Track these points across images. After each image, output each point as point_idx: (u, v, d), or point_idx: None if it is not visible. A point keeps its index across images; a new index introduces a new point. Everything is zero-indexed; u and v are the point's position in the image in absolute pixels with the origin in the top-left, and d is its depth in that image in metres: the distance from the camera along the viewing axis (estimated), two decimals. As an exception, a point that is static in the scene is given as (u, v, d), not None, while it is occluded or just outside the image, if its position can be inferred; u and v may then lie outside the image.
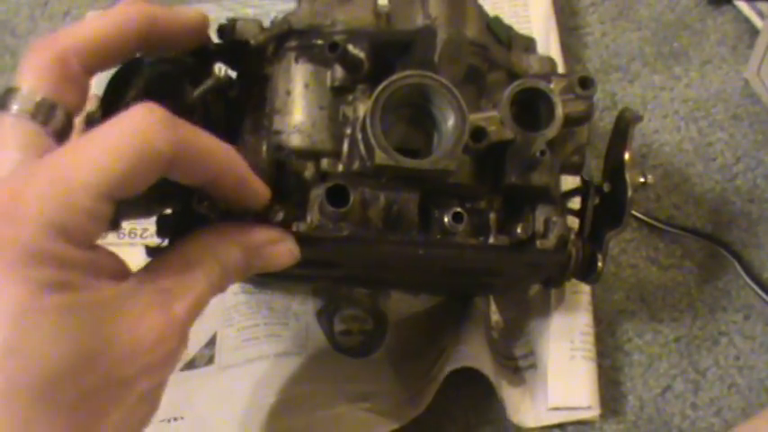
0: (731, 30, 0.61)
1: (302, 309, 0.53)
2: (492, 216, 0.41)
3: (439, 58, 0.38)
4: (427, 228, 0.40)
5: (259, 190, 0.36)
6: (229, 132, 0.40)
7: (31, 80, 0.34)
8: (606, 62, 0.61)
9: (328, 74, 0.39)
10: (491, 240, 0.40)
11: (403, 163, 0.36)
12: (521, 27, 0.60)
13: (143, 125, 0.31)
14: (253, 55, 0.40)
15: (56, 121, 0.34)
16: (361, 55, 0.38)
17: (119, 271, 0.32)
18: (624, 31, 0.62)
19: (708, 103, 0.60)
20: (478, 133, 0.39)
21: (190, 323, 0.33)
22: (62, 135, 0.34)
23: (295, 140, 0.38)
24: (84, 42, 0.35)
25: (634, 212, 0.57)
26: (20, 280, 0.28)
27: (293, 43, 0.39)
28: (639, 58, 0.61)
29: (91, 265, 0.30)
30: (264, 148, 0.39)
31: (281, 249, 0.37)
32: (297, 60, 0.39)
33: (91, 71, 0.35)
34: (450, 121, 0.37)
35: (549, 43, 0.59)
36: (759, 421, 0.44)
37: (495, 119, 0.39)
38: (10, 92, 0.34)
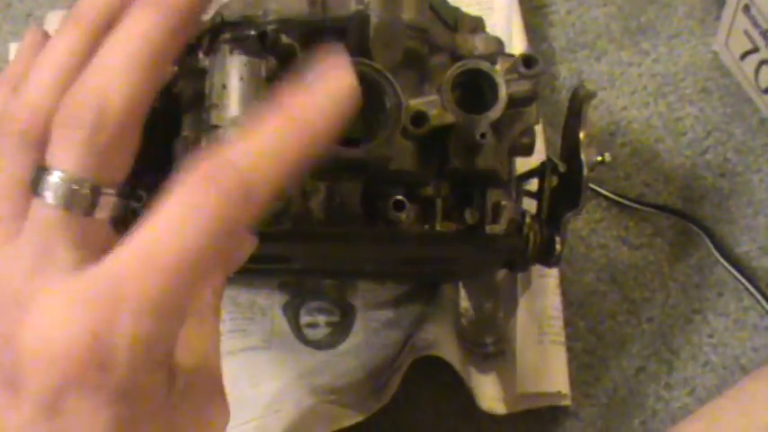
0: (699, 1, 0.60)
1: (268, 303, 0.52)
2: (439, 202, 0.40)
3: (373, 43, 0.37)
4: (372, 218, 0.39)
5: None
6: (172, 128, 0.39)
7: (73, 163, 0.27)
8: (572, 40, 0.60)
9: (263, 65, 0.38)
10: (437, 227, 0.40)
11: (337, 152, 0.35)
12: (483, 9, 0.59)
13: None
14: (190, 49, 0.39)
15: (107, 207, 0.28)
16: (295, 44, 0.38)
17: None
18: (590, 7, 0.61)
19: (676, 77, 0.59)
20: (419, 118, 0.38)
21: None
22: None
23: (233, 135, 0.37)
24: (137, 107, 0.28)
25: (603, 191, 0.56)
26: (110, 419, 0.27)
27: (227, 35, 0.38)
28: (606, 35, 0.60)
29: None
30: (204, 143, 0.38)
31: (245, 245, 0.36)
32: (231, 53, 0.38)
33: None
34: (387, 107, 0.36)
35: (512, 23, 0.58)
36: (723, 401, 0.43)
37: (436, 102, 0.39)
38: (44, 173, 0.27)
